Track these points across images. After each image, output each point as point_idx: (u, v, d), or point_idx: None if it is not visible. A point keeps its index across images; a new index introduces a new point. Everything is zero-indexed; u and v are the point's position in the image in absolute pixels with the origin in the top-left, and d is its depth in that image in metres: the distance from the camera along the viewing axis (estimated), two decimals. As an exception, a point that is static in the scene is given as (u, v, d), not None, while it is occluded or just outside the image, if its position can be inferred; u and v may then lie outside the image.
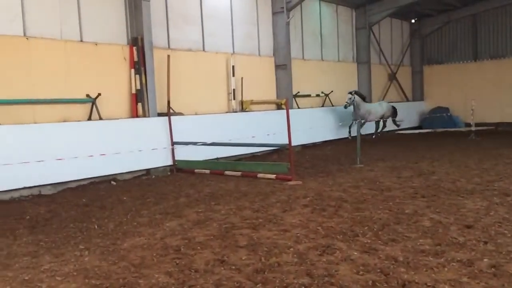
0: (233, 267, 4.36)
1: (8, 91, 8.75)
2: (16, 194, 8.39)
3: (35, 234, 5.95)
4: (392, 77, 21.52)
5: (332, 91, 17.23)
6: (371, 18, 19.09)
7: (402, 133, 18.87)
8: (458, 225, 5.42)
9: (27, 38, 9.16)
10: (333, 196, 7.30)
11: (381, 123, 17.01)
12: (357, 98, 15.39)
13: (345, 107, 15.25)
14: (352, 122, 15.59)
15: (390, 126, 17.69)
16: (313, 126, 14.77)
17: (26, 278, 4.35)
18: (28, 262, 4.85)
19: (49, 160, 8.22)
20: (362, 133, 15.29)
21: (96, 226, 6.21)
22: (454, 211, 6.08)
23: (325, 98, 17.23)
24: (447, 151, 12.40)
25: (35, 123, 9.04)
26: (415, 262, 4.27)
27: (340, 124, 16.00)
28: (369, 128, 16.97)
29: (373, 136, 16.77)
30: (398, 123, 17.44)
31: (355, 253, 4.58)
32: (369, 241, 4.96)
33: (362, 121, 15.37)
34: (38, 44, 9.30)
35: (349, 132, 15.85)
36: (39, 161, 8.05)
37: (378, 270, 4.11)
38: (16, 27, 9.03)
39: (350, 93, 15.39)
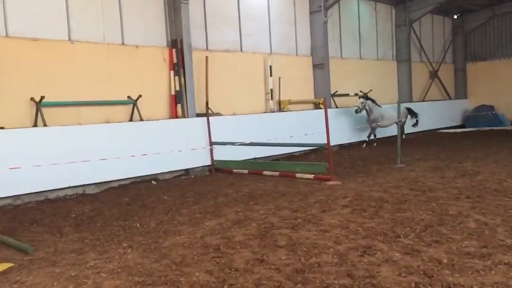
0: (273, 267, 4.36)
1: (54, 93, 9.08)
2: (61, 193, 8.68)
3: (81, 232, 6.15)
4: (434, 75, 20.96)
5: (371, 90, 16.92)
6: (412, 15, 18.67)
7: (444, 132, 18.35)
8: (506, 226, 5.22)
9: (71, 42, 9.48)
10: (374, 196, 7.18)
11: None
12: (369, 102, 14.31)
13: (356, 112, 14.09)
14: (371, 129, 14.71)
15: (425, 126, 17.14)
16: (352, 126, 14.59)
17: (73, 274, 4.49)
18: (74, 258, 5.01)
19: (93, 160, 8.47)
20: (379, 137, 14.82)
21: (138, 225, 6.35)
22: (501, 212, 5.86)
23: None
24: (492, 151, 11.97)
25: (80, 124, 9.35)
26: (460, 264, 4.14)
27: (358, 127, 15.02)
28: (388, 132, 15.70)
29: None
30: (416, 122, 15.81)
31: (397, 255, 4.49)
32: (411, 242, 4.85)
33: (374, 124, 14.55)
34: (82, 48, 9.61)
35: (367, 138, 14.80)
36: (84, 161, 8.31)
37: (422, 272, 4.01)
38: (61, 32, 9.36)
39: (362, 97, 14.47)
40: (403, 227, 5.39)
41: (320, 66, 15.04)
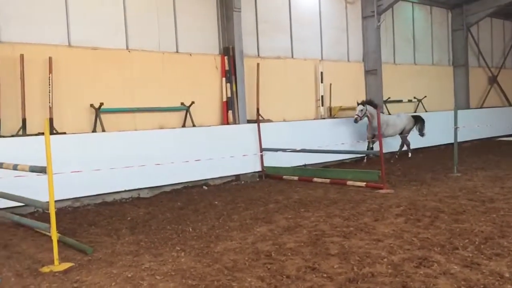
0: (325, 275, 4.31)
1: (112, 100, 9.45)
2: (118, 197, 8.99)
3: (136, 235, 6.34)
4: (493, 80, 20.07)
5: (425, 96, 16.48)
6: (469, 19, 18.00)
7: (504, 140, 17.50)
8: None
9: (129, 51, 9.85)
10: (428, 206, 6.95)
11: (403, 140, 13.46)
12: (370, 109, 12.09)
13: (356, 121, 11.95)
14: (369, 141, 12.50)
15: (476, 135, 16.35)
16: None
17: (129, 275, 4.64)
18: (130, 260, 5.17)
19: (148, 165, 8.72)
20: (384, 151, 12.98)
21: (190, 229, 6.46)
22: None
23: (418, 104, 16.51)
24: (558, 160, 11.30)
25: (136, 130, 9.66)
26: (524, 280, 3.94)
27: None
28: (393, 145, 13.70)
29: (396, 155, 13.31)
30: (423, 132, 13.63)
31: (455, 267, 4.32)
32: (470, 255, 4.66)
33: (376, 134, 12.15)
34: (138, 56, 9.96)
35: (367, 149, 12.60)
36: (140, 166, 8.58)
37: (482, 286, 3.85)
38: (119, 41, 9.75)
39: (360, 104, 12.12)
40: (461, 239, 5.19)
41: (372, 72, 14.78)
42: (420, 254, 4.73)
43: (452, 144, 10.76)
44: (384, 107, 15.02)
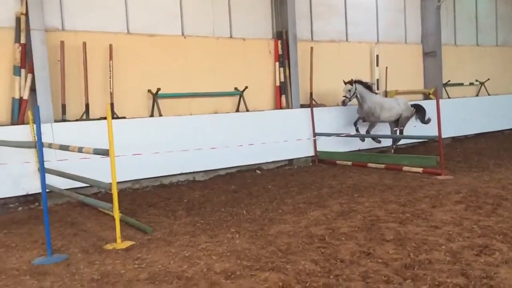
0: (380, 261, 4.27)
1: (168, 86, 9.68)
2: (174, 179, 9.27)
3: (192, 216, 6.53)
4: None
5: (488, 79, 15.68)
6: (538, -5, 16.86)
7: None
8: None
9: (184, 37, 10.03)
10: (490, 193, 6.67)
11: (397, 131, 11.37)
12: (360, 88, 10.62)
13: (344, 103, 10.44)
14: (358, 120, 11.02)
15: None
16: (465, 117, 13.63)
17: (187, 255, 4.80)
18: (187, 240, 5.35)
19: (204, 149, 8.90)
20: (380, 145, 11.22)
21: (244, 212, 6.58)
22: None
23: (480, 87, 15.75)
24: None
25: (191, 114, 9.88)
26: None
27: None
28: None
29: (392, 149, 11.46)
30: (426, 120, 11.40)
31: (519, 257, 4.15)
32: (535, 244, 4.45)
33: (371, 117, 10.79)
34: (193, 42, 10.11)
35: (356, 130, 10.98)
36: (196, 150, 8.78)
37: (548, 277, 3.67)
38: (175, 28, 9.94)
39: (348, 82, 10.57)
40: (526, 228, 4.96)
41: (431, 54, 14.22)
42: (480, 242, 4.58)
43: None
44: (444, 90, 14.44)
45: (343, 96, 10.46)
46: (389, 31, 13.70)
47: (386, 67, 13.15)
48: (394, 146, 11.48)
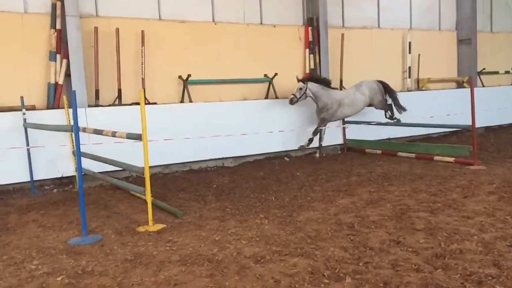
0: (410, 249, 4.25)
1: (198, 72, 9.75)
2: (203, 165, 9.39)
3: (221, 201, 6.62)
4: None
5: (525, 68, 15.19)
6: None
7: None
8: None
9: (215, 23, 10.05)
10: (525, 184, 6.52)
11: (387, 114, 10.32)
12: (312, 87, 9.62)
13: (292, 102, 9.44)
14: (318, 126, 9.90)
15: None
16: (501, 106, 13.26)
17: (217, 238, 4.89)
18: (217, 225, 5.43)
19: (234, 135, 8.96)
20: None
21: (273, 198, 6.62)
22: None
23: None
24: None
25: (220, 101, 9.94)
26: None
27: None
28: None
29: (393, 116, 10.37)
30: (398, 109, 10.25)
31: (554, 249, 4.06)
32: None
33: (322, 116, 9.79)
34: (224, 28, 10.14)
35: (309, 140, 9.84)
36: (226, 136, 8.85)
37: None
38: (206, 14, 9.97)
39: (301, 80, 9.60)
40: (562, 220, 4.84)
41: (466, 41, 13.85)
42: (514, 234, 4.50)
43: None
44: (478, 79, 14.06)
45: (292, 94, 9.50)
46: (422, 18, 13.39)
47: (419, 55, 12.89)
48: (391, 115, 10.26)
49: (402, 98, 11.72)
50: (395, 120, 10.29)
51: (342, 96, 10.08)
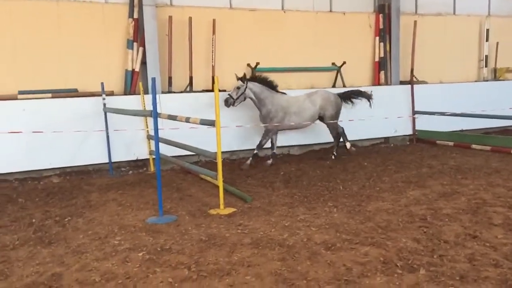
0: (487, 244, 4.12)
1: (267, 60, 9.83)
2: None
3: (289, 188, 6.69)
4: None
5: None
6: None
7: None
8: None
9: (284, 11, 10.07)
10: None
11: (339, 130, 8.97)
12: (255, 88, 8.24)
13: (227, 103, 8.02)
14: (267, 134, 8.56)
15: None
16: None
17: (286, 224, 4.98)
18: (286, 211, 5.52)
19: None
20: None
21: (341, 187, 6.61)
22: None
23: None
24: None
25: (288, 89, 9.95)
26: None
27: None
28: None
29: (332, 155, 8.94)
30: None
31: None
32: None
33: (266, 128, 8.47)
34: (293, 16, 10.12)
35: (256, 153, 8.53)
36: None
37: None
38: (275, 2, 10.00)
39: (240, 79, 8.17)
40: None
41: (550, 28, 12.94)
42: None
43: None
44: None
45: (228, 94, 8.15)
46: (502, 3, 12.63)
47: (497, 43, 12.22)
48: (339, 146, 9.05)
49: (477, 88, 11.22)
50: (332, 157, 8.87)
51: (290, 103, 8.55)
